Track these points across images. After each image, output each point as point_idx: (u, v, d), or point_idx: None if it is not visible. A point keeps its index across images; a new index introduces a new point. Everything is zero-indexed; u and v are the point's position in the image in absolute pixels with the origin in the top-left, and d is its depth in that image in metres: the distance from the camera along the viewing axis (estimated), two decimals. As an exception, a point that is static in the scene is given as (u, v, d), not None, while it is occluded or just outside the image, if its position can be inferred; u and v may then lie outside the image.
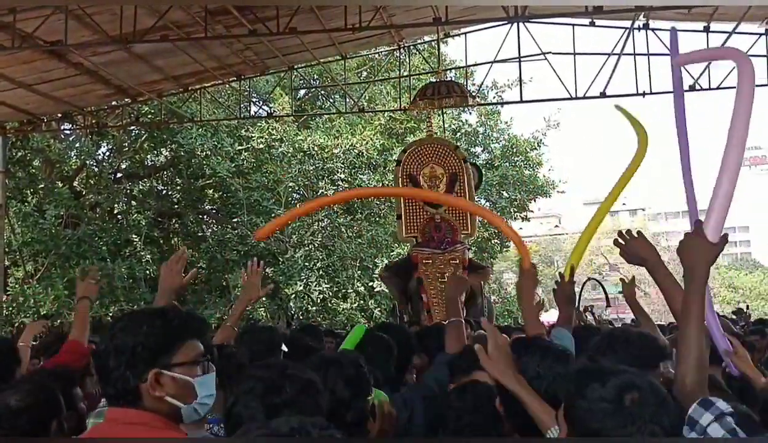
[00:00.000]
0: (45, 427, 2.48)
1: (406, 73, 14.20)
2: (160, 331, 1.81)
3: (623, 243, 2.86)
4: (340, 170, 17.32)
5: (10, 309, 14.41)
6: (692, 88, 11.53)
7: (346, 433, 2.22)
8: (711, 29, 11.17)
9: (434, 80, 10.64)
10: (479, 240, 21.10)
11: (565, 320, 3.35)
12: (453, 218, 9.35)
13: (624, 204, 68.69)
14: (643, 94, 11.74)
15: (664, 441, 2.00)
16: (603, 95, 11.78)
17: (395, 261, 10.85)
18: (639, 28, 11.43)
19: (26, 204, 16.31)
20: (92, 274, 3.91)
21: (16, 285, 15.77)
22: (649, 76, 11.72)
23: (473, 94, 11.28)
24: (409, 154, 9.63)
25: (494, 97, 18.85)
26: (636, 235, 2.87)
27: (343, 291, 17.28)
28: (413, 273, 9.02)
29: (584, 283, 13.22)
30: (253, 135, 17.56)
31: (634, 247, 2.84)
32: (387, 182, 16.59)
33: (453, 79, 18.29)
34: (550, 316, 20.60)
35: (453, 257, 9.05)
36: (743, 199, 71.56)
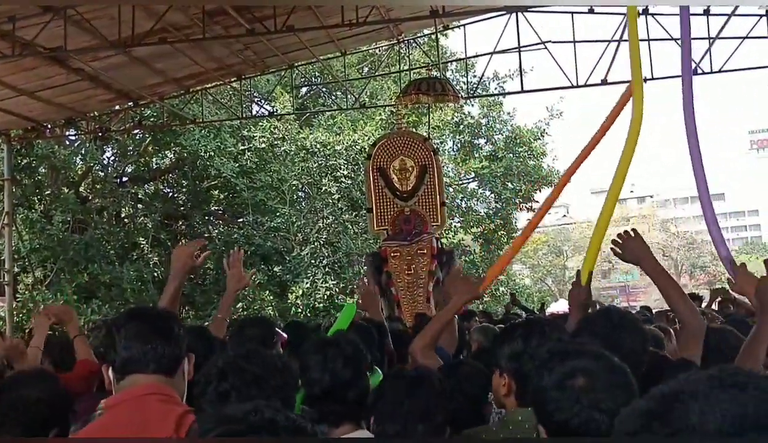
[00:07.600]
0: (45, 429, 2.41)
1: (406, 68, 14.17)
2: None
3: (619, 242, 3.03)
4: (343, 167, 17.33)
5: (20, 315, 14.51)
6: (694, 72, 11.46)
7: (347, 411, 2.43)
8: (711, 12, 11.09)
9: (426, 76, 10.58)
10: (485, 232, 21.08)
11: None
12: (423, 210, 9.36)
13: (632, 191, 68.50)
14: (645, 80, 11.65)
15: (669, 441, 2.00)
16: (604, 82, 11.70)
17: (374, 252, 10.83)
18: (639, 14, 11.33)
19: (33, 211, 16.40)
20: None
21: (26, 292, 15.87)
22: (650, 61, 11.61)
23: (458, 91, 11.15)
24: (379, 147, 9.63)
25: (496, 88, 18.79)
26: (632, 235, 3.03)
27: (350, 287, 17.31)
28: (383, 267, 9.06)
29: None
30: (255, 134, 17.59)
31: (630, 247, 3.01)
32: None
33: (453, 71, 18.30)
34: (560, 306, 20.56)
35: (420, 247, 9.06)
36: (752, 183, 71.33)
